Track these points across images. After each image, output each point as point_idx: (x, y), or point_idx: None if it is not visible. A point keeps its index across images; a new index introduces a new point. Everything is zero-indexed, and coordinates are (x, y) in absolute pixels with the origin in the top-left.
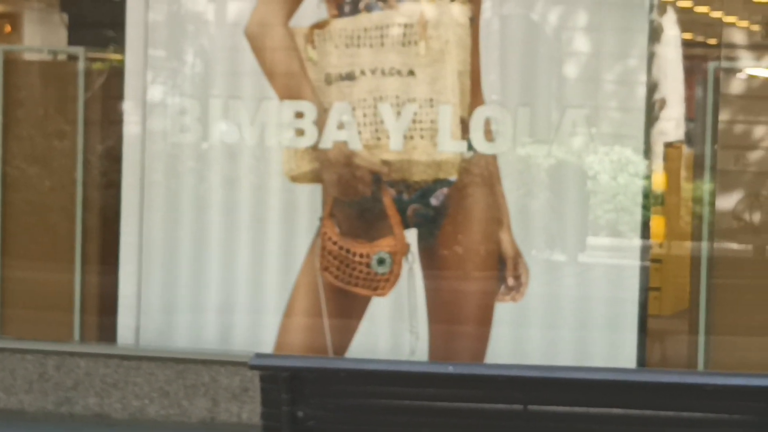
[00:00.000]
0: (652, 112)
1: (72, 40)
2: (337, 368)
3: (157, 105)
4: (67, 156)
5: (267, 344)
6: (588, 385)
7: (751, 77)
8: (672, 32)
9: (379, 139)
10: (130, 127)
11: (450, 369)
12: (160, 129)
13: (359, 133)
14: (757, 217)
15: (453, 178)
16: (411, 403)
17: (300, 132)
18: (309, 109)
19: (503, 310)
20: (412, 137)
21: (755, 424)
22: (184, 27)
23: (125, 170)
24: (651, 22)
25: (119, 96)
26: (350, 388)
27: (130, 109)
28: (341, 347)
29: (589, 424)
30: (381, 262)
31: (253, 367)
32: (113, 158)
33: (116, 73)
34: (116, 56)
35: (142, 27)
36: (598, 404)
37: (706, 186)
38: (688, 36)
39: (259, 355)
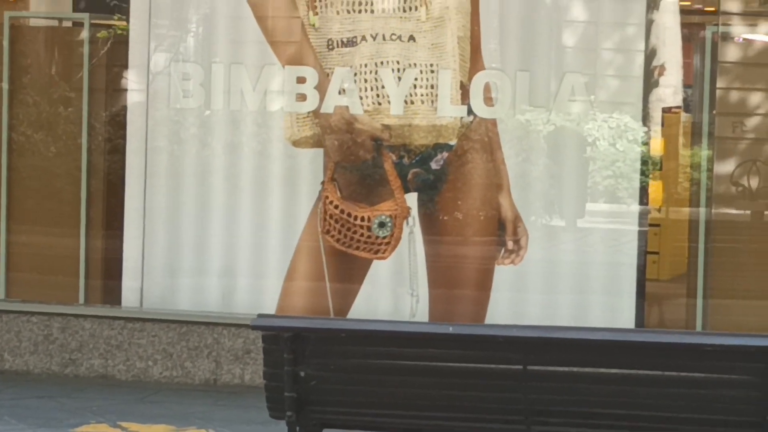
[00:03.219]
0: (650, 79)
1: (77, 8)
2: (339, 328)
3: (160, 72)
4: (72, 122)
5: (269, 307)
6: (587, 345)
7: (749, 44)
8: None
9: (380, 104)
10: (134, 93)
11: (450, 329)
12: (164, 95)
13: (360, 98)
14: (754, 183)
15: (453, 142)
16: (411, 363)
17: (302, 97)
18: (311, 74)
19: (503, 274)
20: (412, 102)
21: (753, 384)
22: None
23: (129, 136)
24: None
25: (123, 63)
26: (351, 349)
27: (134, 76)
28: (342, 310)
29: (588, 384)
30: (382, 225)
31: (255, 328)
32: (117, 124)
33: (121, 41)
34: (121, 23)
35: None
36: (597, 364)
37: (704, 152)
38: (686, 3)
39: (261, 316)
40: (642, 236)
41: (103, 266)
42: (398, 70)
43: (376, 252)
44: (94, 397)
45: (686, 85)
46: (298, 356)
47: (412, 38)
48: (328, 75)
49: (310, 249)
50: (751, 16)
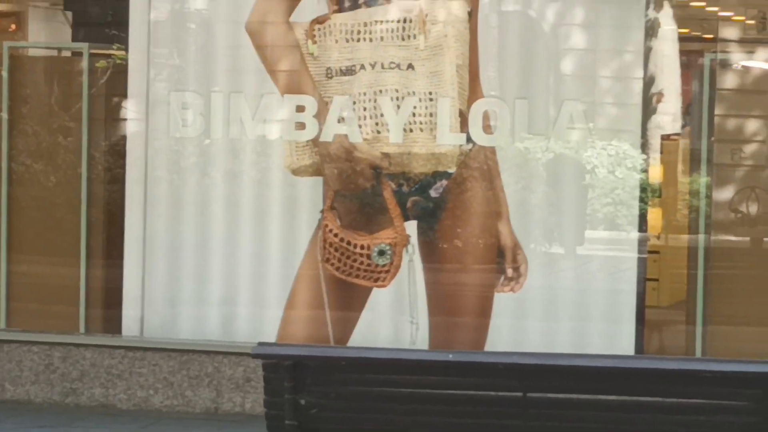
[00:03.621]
0: (649, 107)
1: (76, 38)
2: (339, 356)
3: (159, 101)
4: (72, 152)
5: (269, 336)
6: (586, 372)
7: (747, 71)
8: (668, 27)
9: (379, 132)
10: (133, 123)
11: (450, 357)
12: (163, 125)
13: (359, 126)
14: (753, 209)
15: (452, 170)
16: (412, 391)
17: (301, 126)
18: (310, 103)
19: (502, 301)
20: (411, 130)
21: (752, 410)
22: (185, 24)
23: (129, 166)
24: (647, 18)
25: (123, 92)
26: (352, 376)
27: (133, 105)
28: (342, 338)
29: (587, 411)
30: (381, 253)
31: (256, 356)
32: (117, 154)
33: (120, 70)
34: (120, 53)
35: (145, 24)
36: (597, 391)
37: (703, 179)
38: (684, 31)
39: (261, 344)
40: (641, 263)
41: (103, 295)
42: (397, 98)
43: (376, 280)
44: (95, 427)
45: (685, 112)
46: (298, 384)
47: (410, 66)
48: (327, 103)
49: (310, 277)
50: (749, 43)
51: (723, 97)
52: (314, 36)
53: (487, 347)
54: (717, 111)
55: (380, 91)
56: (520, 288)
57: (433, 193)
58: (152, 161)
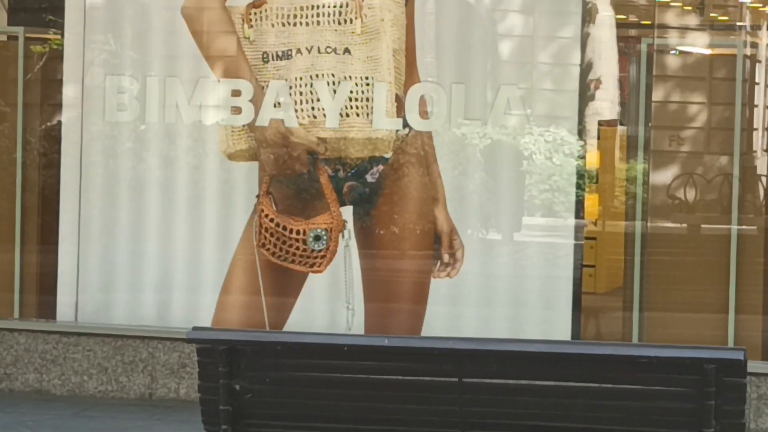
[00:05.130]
0: (586, 93)
1: (12, 22)
2: (274, 341)
3: (95, 86)
4: (7, 137)
5: (204, 321)
6: (522, 357)
7: (684, 57)
8: (606, 13)
9: (315, 117)
10: (69, 108)
11: (386, 342)
12: (99, 110)
13: (296, 111)
14: (690, 196)
15: (388, 155)
16: (347, 376)
17: (237, 110)
18: (246, 87)
19: (439, 287)
20: (348, 115)
21: (688, 395)
22: (121, 9)
23: (64, 151)
24: (585, 4)
25: (58, 78)
26: (287, 361)
27: (68, 90)
28: (278, 324)
29: (523, 396)
30: (317, 238)
31: (190, 341)
32: (53, 139)
33: (56, 55)
34: (56, 38)
35: (81, 9)
36: (533, 377)
37: (640, 165)
38: (621, 17)
39: (196, 329)
40: (578, 249)
41: (38, 281)
42: (333, 83)
43: (312, 265)
44: (29, 412)
45: (622, 99)
46: (233, 369)
47: (347, 51)
48: (263, 88)
49: (245, 263)
50: (686, 30)
51: (660, 84)
52: (250, 20)
53: (424, 333)
54: (654, 97)
55: (316, 76)
56: (456, 274)
57: (369, 179)
58: (87, 146)
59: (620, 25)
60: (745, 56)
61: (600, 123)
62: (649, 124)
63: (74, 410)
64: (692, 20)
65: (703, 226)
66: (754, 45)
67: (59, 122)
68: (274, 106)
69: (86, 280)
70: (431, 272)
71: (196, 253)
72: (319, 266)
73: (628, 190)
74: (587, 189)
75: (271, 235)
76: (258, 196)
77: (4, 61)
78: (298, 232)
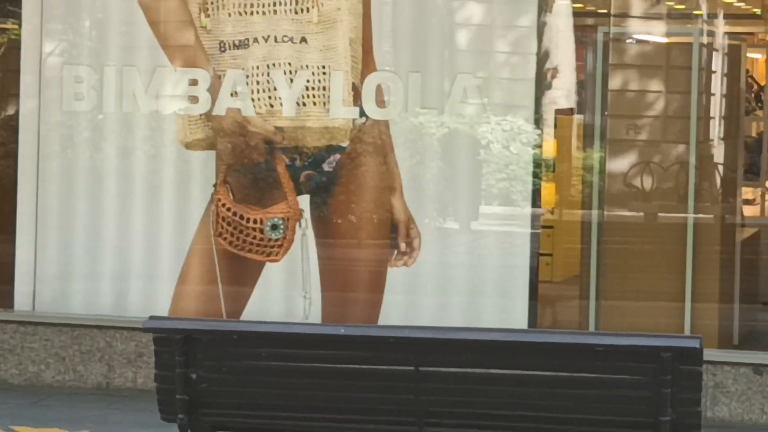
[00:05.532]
0: (543, 82)
1: None
2: (230, 330)
3: (53, 76)
4: None
5: (161, 311)
6: (479, 346)
7: (640, 45)
8: (562, 2)
9: (272, 106)
10: (26, 98)
11: (342, 331)
12: (56, 100)
13: (252, 100)
14: (647, 184)
15: (345, 144)
16: (303, 364)
17: (194, 99)
18: (203, 76)
19: (395, 276)
20: (304, 104)
21: (645, 384)
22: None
23: (21, 141)
24: None
25: (16, 67)
26: (243, 350)
27: (26, 80)
28: (235, 313)
29: (480, 385)
30: (274, 227)
31: (146, 330)
32: (10, 129)
33: (13, 45)
34: (13, 28)
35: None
36: (490, 365)
37: (597, 154)
38: (578, 6)
39: (152, 318)
40: (535, 238)
41: None
42: (290, 72)
43: (269, 254)
44: None
45: (579, 88)
46: (189, 358)
47: (303, 40)
48: (220, 77)
49: (202, 252)
50: (642, 19)
51: (617, 72)
52: (207, 9)
53: (381, 322)
54: (611, 86)
55: (273, 65)
56: (413, 263)
57: (326, 168)
58: (45, 136)
59: (577, 13)
60: (702, 45)
61: (557, 112)
62: (606, 113)
63: (32, 399)
64: (649, 9)
65: (659, 214)
66: (711, 33)
67: (17, 112)
68: (231, 95)
69: (44, 270)
70: (388, 261)
71: (153, 243)
72: (276, 255)
73: (585, 178)
74: (544, 178)
75: (228, 224)
76: (215, 186)
77: None
78: (255, 221)
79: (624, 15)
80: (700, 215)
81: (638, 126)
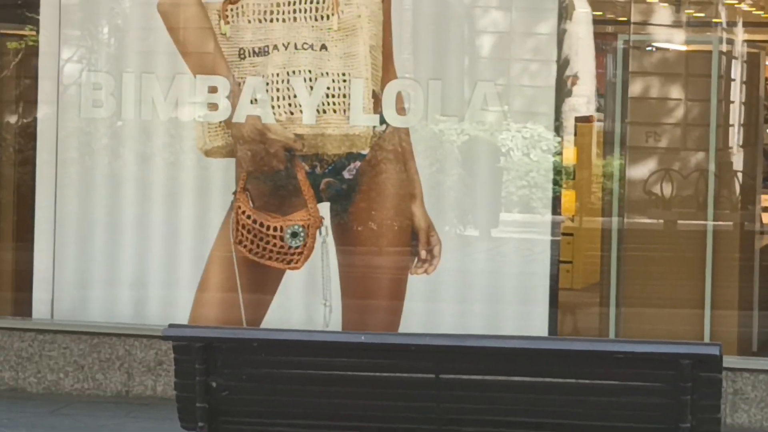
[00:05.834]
0: (563, 89)
1: None
2: (250, 338)
3: (71, 83)
4: None
5: (181, 318)
6: (499, 353)
7: (660, 53)
8: (582, 10)
9: (292, 113)
10: (45, 104)
11: (362, 338)
12: (75, 106)
13: (272, 107)
14: (666, 191)
15: (365, 152)
16: (324, 372)
17: (213, 107)
18: (222, 84)
19: (416, 284)
20: (324, 111)
21: (665, 391)
22: (97, 5)
23: (40, 147)
24: (561, 1)
25: (34, 74)
26: (263, 358)
27: (44, 86)
28: (255, 321)
29: (500, 392)
30: (294, 235)
31: (166, 338)
32: (29, 136)
33: (32, 52)
34: (31, 34)
35: (57, 5)
36: (510, 372)
37: (617, 161)
38: (598, 13)
39: (172, 326)
40: (555, 246)
41: (13, 278)
42: (310, 79)
43: (289, 262)
44: (4, 410)
45: (599, 95)
46: (209, 366)
47: (324, 47)
48: (240, 84)
49: (222, 259)
50: (662, 27)
51: (637, 80)
52: (227, 16)
53: (401, 330)
54: (631, 93)
55: (293, 72)
56: (433, 270)
57: (346, 175)
58: (63, 143)
59: (597, 21)
60: (721, 53)
61: (577, 119)
62: (626, 120)
63: (50, 408)
64: (668, 17)
65: (679, 221)
66: (730, 41)
67: (35, 119)
68: (251, 102)
69: (62, 277)
70: (408, 269)
71: (172, 250)
72: (296, 263)
73: (605, 186)
74: (564, 185)
75: (248, 231)
76: (235, 193)
77: None
78: (275, 229)
79: (644, 23)
80: (720, 222)
81: (658, 133)
